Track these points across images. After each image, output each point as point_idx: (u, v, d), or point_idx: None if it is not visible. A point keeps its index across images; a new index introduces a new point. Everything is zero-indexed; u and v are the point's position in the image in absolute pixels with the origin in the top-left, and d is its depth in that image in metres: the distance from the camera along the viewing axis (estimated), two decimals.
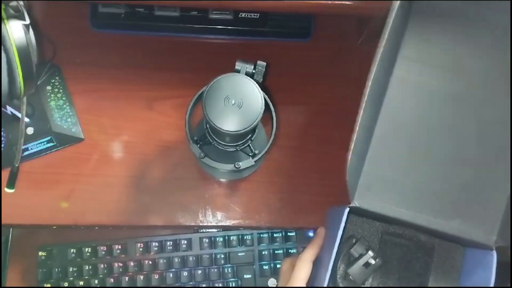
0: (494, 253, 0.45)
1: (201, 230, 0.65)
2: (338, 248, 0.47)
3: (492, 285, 0.43)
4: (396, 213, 0.47)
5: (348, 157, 0.41)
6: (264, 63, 0.50)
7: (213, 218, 0.62)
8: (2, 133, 0.61)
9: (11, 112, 0.59)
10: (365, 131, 0.46)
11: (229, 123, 0.46)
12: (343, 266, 0.49)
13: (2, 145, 0.60)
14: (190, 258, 0.63)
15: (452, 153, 0.49)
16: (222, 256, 0.64)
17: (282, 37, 0.67)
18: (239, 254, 0.64)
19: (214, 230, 0.65)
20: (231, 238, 0.64)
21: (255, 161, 0.54)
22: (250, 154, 0.55)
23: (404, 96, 0.49)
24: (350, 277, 0.47)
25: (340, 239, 0.44)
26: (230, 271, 0.63)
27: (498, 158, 0.49)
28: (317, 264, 0.51)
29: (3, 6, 0.43)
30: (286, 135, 0.64)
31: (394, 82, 0.49)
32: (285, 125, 0.63)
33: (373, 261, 0.47)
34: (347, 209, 0.45)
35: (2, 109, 0.59)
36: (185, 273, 0.63)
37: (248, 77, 0.48)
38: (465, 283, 0.48)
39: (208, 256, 0.63)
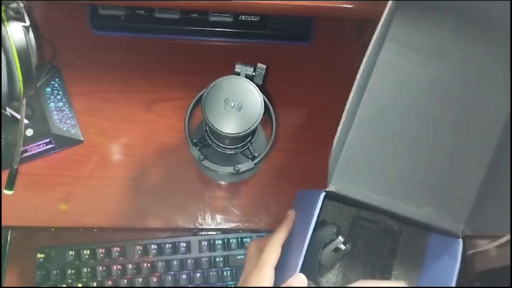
0: (461, 241, 0.45)
1: (200, 233, 0.65)
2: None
3: (457, 271, 0.44)
4: (370, 198, 0.47)
5: (334, 142, 0.40)
6: (264, 66, 0.50)
7: (212, 221, 0.62)
8: (1, 135, 0.61)
9: (11, 114, 0.59)
10: (349, 117, 0.46)
11: (229, 126, 0.46)
12: None
13: (2, 147, 0.60)
14: (189, 261, 0.63)
15: (428, 141, 0.49)
16: (221, 259, 0.63)
17: (282, 40, 0.68)
18: (238, 257, 0.64)
19: (213, 232, 0.64)
20: (230, 241, 0.64)
21: (254, 164, 0.54)
22: (249, 156, 0.55)
23: (387, 81, 0.49)
24: (320, 261, 0.48)
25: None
26: (229, 274, 0.63)
27: (471, 149, 0.49)
28: (285, 247, 0.50)
29: (3, 8, 0.43)
30: (285, 138, 0.64)
31: (379, 65, 0.49)
32: (284, 127, 0.63)
33: (343, 247, 0.48)
34: (323, 194, 0.44)
35: (2, 110, 0.59)
36: (184, 276, 0.63)
37: (248, 80, 0.48)
38: (429, 269, 0.50)
39: (207, 259, 0.63)
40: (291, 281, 0.43)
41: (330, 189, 0.46)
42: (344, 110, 0.41)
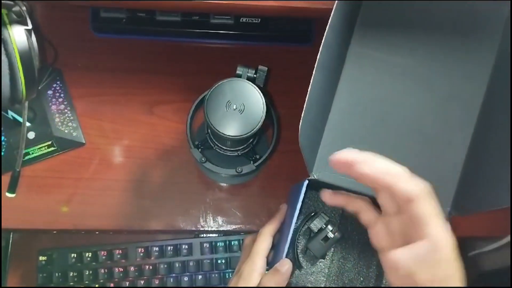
0: (447, 224, 0.46)
1: (202, 235, 0.65)
2: (298, 223, 0.48)
3: None
4: (355, 185, 0.47)
5: (300, 127, 0.41)
6: (266, 68, 0.50)
7: (214, 223, 0.62)
8: (3, 138, 0.61)
9: (13, 117, 0.59)
10: (321, 103, 0.46)
11: (231, 128, 0.46)
12: (304, 241, 0.51)
13: (3, 150, 0.60)
14: (191, 263, 0.63)
15: (409, 126, 0.50)
16: (223, 261, 0.63)
17: (283, 42, 0.68)
18: None
19: (215, 234, 0.64)
20: (232, 243, 0.64)
21: (256, 166, 0.54)
22: (251, 158, 0.55)
23: (361, 69, 0.50)
24: (310, 251, 0.49)
25: (300, 213, 0.45)
26: (231, 276, 0.63)
27: (452, 131, 0.50)
28: (278, 239, 0.52)
29: (4, 11, 0.43)
30: (287, 140, 0.64)
31: (351, 56, 0.50)
32: (286, 129, 0.63)
33: (331, 235, 0.49)
34: (306, 182, 0.46)
35: (3, 113, 0.59)
36: (186, 278, 0.63)
37: (250, 82, 0.48)
38: None
39: (209, 261, 0.63)
40: (277, 266, 0.46)
41: (313, 177, 0.47)
42: (308, 93, 0.42)
